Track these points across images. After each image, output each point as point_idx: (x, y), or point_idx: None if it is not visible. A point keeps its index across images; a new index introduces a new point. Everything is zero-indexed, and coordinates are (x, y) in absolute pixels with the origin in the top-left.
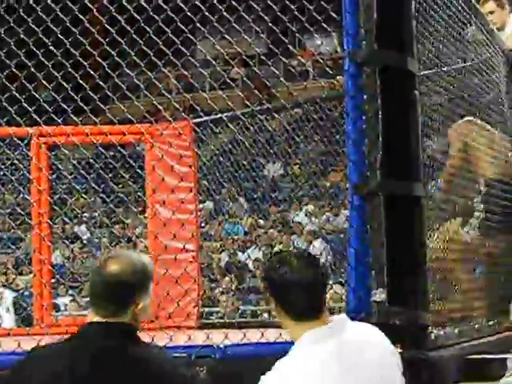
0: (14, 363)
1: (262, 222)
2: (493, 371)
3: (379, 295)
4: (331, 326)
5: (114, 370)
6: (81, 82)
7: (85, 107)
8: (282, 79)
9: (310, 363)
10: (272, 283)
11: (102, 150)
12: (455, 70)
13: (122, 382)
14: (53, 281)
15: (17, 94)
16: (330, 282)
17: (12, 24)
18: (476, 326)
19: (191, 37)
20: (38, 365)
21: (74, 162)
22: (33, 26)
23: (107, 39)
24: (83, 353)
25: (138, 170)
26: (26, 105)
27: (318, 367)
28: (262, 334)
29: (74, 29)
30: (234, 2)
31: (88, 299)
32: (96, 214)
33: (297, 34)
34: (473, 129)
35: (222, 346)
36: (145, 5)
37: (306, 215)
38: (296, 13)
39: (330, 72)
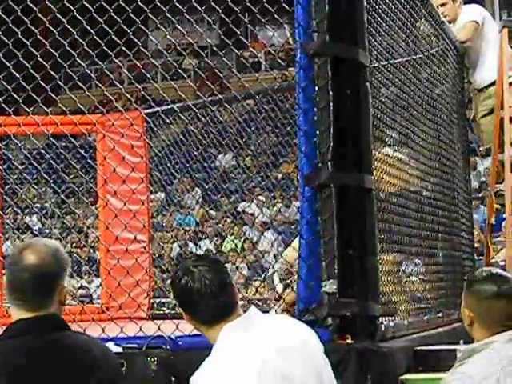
0: None
1: (213, 212)
2: (442, 362)
3: (330, 286)
4: (245, 317)
5: (50, 365)
6: (32, 71)
7: (36, 97)
8: (233, 70)
9: (233, 356)
10: (178, 294)
11: (54, 141)
12: (406, 62)
13: (58, 376)
14: (3, 271)
15: None
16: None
17: None
18: (425, 317)
19: (143, 27)
20: None
21: (25, 152)
22: None
23: (59, 29)
24: (16, 354)
25: (90, 161)
26: None
27: (241, 358)
28: None
29: (25, 18)
30: None
31: (8, 298)
32: (47, 205)
33: (249, 26)
34: None
35: (173, 336)
36: None
37: (257, 206)
38: (248, 4)
39: (282, 63)
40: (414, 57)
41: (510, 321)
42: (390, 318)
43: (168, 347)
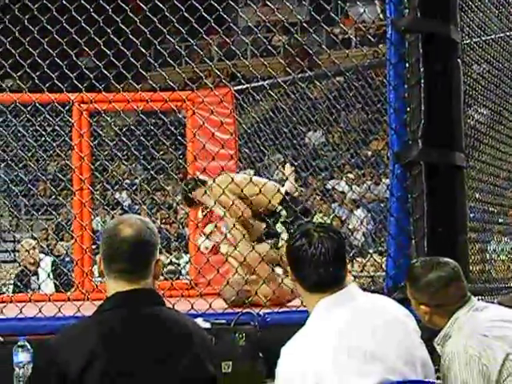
0: (45, 348)
1: (302, 190)
2: None
3: None
4: (344, 292)
5: (147, 338)
6: (122, 48)
7: (126, 74)
8: (323, 47)
9: (325, 331)
10: (290, 254)
11: (144, 117)
12: (499, 39)
13: (155, 349)
14: (93, 247)
15: (58, 61)
16: (371, 251)
17: None
18: None
19: (233, 4)
20: (71, 347)
21: (116, 128)
22: None
23: (149, 5)
24: (114, 325)
25: (179, 138)
26: (67, 71)
27: (333, 334)
28: (302, 302)
29: None
30: None
31: (106, 271)
32: (137, 181)
33: (339, 2)
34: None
35: (261, 313)
36: None
37: (346, 184)
38: None
39: (373, 40)
40: (508, 33)
41: (464, 297)
42: (480, 297)
43: (256, 323)
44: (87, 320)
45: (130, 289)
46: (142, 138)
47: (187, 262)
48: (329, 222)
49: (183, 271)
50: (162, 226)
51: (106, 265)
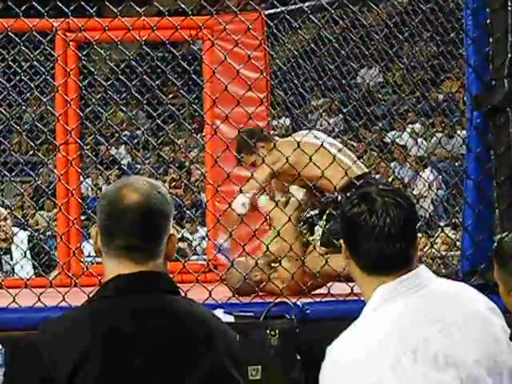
0: (24, 348)
1: (354, 144)
2: None
3: None
4: (412, 277)
5: (157, 335)
6: None
7: None
8: None
9: (384, 327)
10: (345, 223)
11: (148, 50)
12: None
13: (167, 350)
14: (83, 218)
15: None
16: (442, 224)
17: None
18: None
19: None
20: (58, 346)
21: (112, 64)
22: None
23: None
24: (114, 318)
25: (194, 76)
26: None
27: (395, 331)
28: (352, 289)
29: None
30: None
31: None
32: (139, 133)
33: None
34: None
35: (299, 303)
36: None
37: (411, 136)
38: None
39: None
40: None
41: None
42: None
43: (293, 317)
44: (78, 311)
45: (136, 271)
46: (145, 76)
47: (204, 238)
48: None
49: (198, 249)
50: (172, 190)
51: (104, 240)
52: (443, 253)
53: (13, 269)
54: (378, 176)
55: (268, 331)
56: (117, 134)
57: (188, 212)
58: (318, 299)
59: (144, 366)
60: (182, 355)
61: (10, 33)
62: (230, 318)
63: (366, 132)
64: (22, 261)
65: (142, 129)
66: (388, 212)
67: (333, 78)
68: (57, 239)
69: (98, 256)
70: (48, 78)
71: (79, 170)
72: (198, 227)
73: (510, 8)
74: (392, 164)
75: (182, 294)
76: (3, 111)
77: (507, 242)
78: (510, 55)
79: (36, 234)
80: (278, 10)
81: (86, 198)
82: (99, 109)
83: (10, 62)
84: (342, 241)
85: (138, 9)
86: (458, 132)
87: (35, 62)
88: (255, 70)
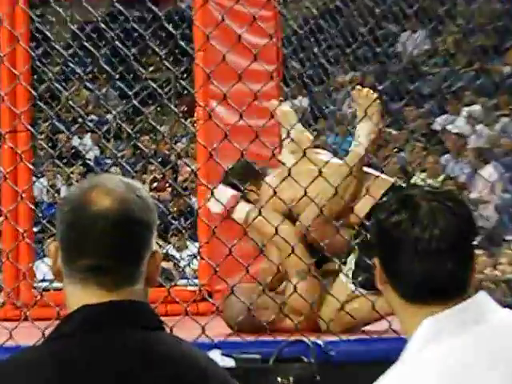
0: None
1: (392, 131)
2: None
3: None
4: (467, 307)
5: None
6: None
7: None
8: None
9: (433, 372)
10: (379, 237)
11: (121, 9)
12: None
13: None
14: (36, 230)
15: None
16: (509, 238)
17: None
18: None
19: None
20: None
21: (74, 28)
22: None
23: None
24: (77, 363)
25: (181, 43)
26: None
27: (447, 378)
28: (390, 325)
29: None
30: None
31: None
32: (109, 117)
33: None
34: None
35: (320, 342)
36: None
37: (467, 122)
38: None
39: None
40: None
41: None
42: None
43: (312, 360)
44: (31, 354)
45: (107, 301)
46: (117, 43)
47: (195, 256)
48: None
49: (187, 270)
50: (153, 193)
51: (65, 259)
52: (510, 276)
53: None
54: (423, 174)
55: (280, 379)
56: (80, 120)
57: (175, 222)
58: (344, 337)
59: None
60: None
61: None
62: (230, 362)
63: (409, 116)
64: None
65: (114, 112)
66: (436, 221)
67: (365, 45)
68: (1, 258)
69: (58, 280)
70: None
71: (31, 167)
72: (188, 242)
73: None
74: (443, 158)
75: (167, 331)
76: None
77: None
78: None
79: None
80: None
81: (40, 203)
82: (57, 86)
83: None
84: (375, 260)
85: None
86: None
87: None
88: (263, 35)
